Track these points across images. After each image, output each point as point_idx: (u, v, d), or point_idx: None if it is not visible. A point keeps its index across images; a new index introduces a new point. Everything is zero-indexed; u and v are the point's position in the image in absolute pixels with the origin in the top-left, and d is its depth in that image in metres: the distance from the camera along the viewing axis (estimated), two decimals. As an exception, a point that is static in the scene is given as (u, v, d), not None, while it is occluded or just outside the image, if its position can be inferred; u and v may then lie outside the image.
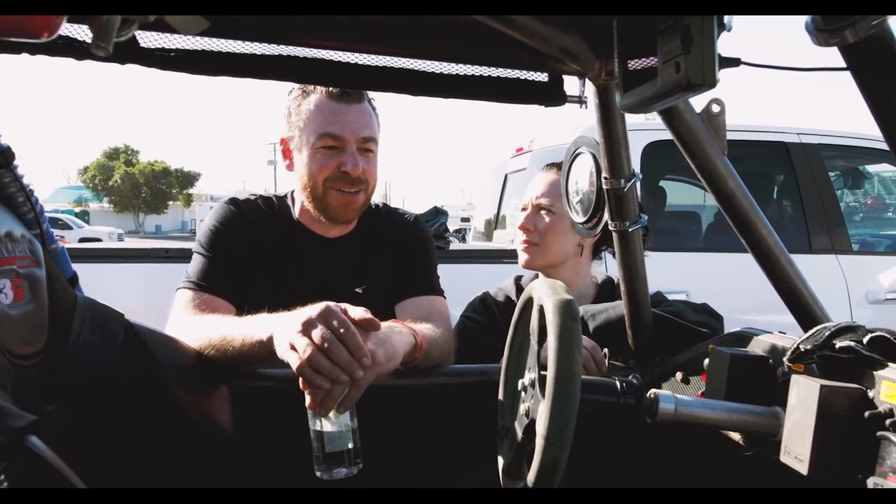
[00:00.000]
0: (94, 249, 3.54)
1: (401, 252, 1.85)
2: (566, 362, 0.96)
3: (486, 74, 1.32)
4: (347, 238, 1.84)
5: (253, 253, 1.74)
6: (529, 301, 1.18)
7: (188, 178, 59.42)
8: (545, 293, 1.06)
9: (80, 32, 1.19)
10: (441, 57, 1.29)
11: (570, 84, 1.38)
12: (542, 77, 1.34)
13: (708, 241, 4.23)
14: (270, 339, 1.29)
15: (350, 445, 1.24)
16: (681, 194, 4.84)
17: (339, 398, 1.21)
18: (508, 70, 1.32)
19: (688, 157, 1.30)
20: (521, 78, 1.33)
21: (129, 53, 1.21)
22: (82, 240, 22.11)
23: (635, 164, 3.68)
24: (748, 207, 1.32)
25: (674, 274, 3.37)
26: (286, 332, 1.23)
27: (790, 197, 4.00)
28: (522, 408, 1.14)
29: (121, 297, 2.99)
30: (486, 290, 2.04)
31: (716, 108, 1.31)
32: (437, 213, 3.72)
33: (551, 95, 1.34)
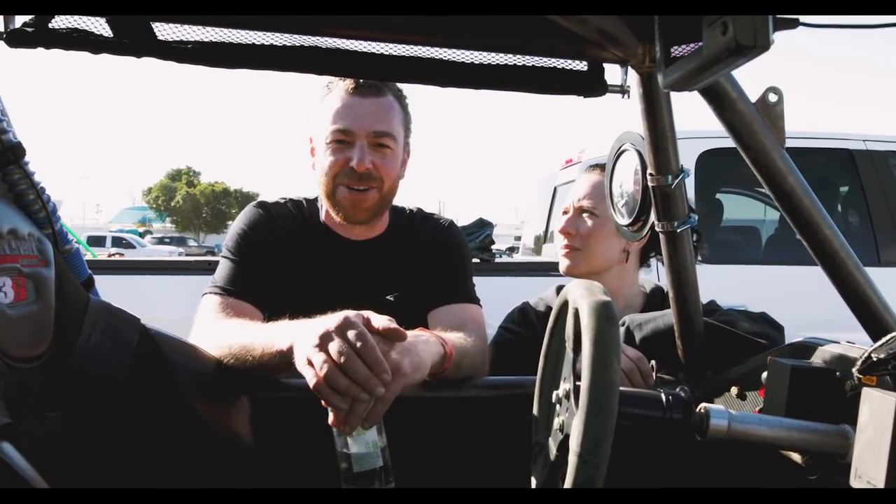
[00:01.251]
0: (140, 262, 3.56)
1: (434, 258, 1.77)
2: (602, 370, 0.86)
3: (520, 64, 1.23)
4: (377, 241, 1.77)
5: (281, 257, 1.68)
6: (565, 305, 1.08)
7: (247, 199, 60.47)
8: (580, 295, 0.96)
9: (97, 26, 1.15)
10: (472, 45, 1.20)
11: (613, 74, 1.28)
12: (581, 66, 1.25)
13: (767, 253, 4.03)
14: (291, 350, 1.21)
15: (380, 464, 1.15)
16: (739, 208, 4.65)
17: (363, 414, 1.12)
18: (545, 59, 1.23)
19: (742, 150, 1.19)
20: (559, 67, 1.24)
21: (146, 46, 1.17)
22: (143, 259, 22.64)
23: (689, 176, 3.56)
24: (810, 206, 1.20)
25: (731, 287, 3.21)
26: (303, 345, 1.16)
27: (856, 207, 3.79)
28: (556, 422, 1.04)
29: (166, 309, 2.99)
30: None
31: (773, 98, 1.20)
32: (483, 225, 3.62)
33: (591, 85, 1.25)
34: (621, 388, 1.03)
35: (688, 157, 3.50)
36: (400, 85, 1.73)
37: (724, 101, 1.15)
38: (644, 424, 1.03)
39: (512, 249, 7.48)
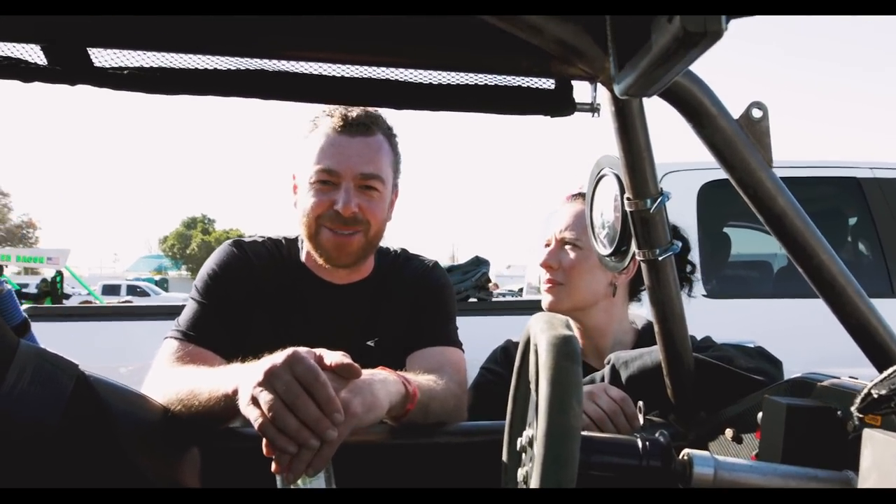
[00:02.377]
0: (131, 307, 3.50)
1: (416, 301, 1.68)
2: (559, 414, 0.75)
3: (481, 83, 1.15)
4: (359, 285, 1.68)
5: (254, 300, 1.59)
6: (528, 341, 0.98)
7: (261, 246, 60.82)
8: (539, 329, 0.85)
9: (29, 53, 1.09)
10: (429, 65, 1.12)
11: (583, 93, 1.20)
12: (548, 84, 1.16)
13: (778, 287, 3.89)
14: (236, 393, 1.12)
15: None
16: (749, 242, 4.53)
17: (309, 459, 1.01)
18: (508, 78, 1.15)
19: (726, 170, 1.10)
20: (524, 86, 1.16)
21: (81, 73, 1.10)
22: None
23: (689, 209, 3.46)
24: (803, 228, 1.10)
25: (739, 322, 3.09)
26: (248, 383, 1.06)
27: (866, 237, 3.65)
28: (521, 473, 0.93)
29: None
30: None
31: (757, 113, 1.12)
32: (479, 264, 3.53)
33: (558, 104, 1.16)
34: (591, 434, 0.93)
35: (688, 190, 3.39)
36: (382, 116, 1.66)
37: (703, 118, 1.07)
38: (618, 474, 0.91)
39: (521, 290, 7.40)
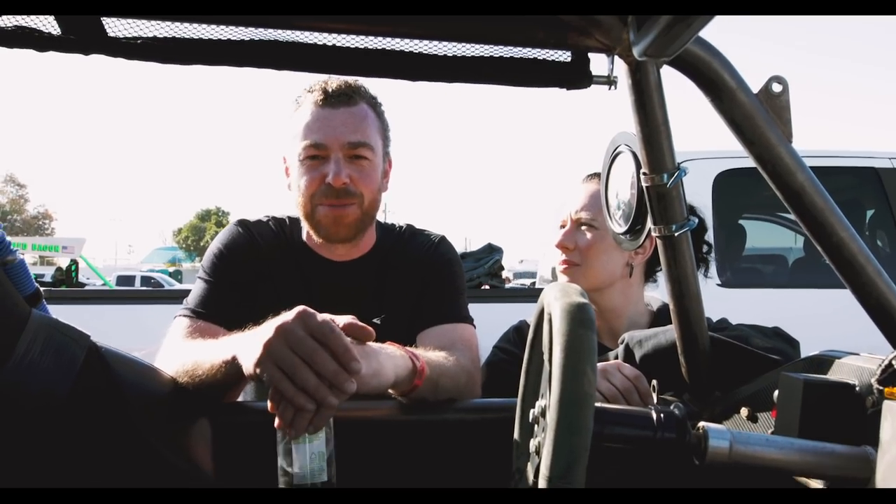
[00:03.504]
0: (145, 291, 3.52)
1: (423, 277, 1.66)
2: (573, 380, 0.74)
3: (496, 55, 1.14)
4: (362, 262, 1.67)
5: (259, 278, 1.59)
6: (542, 311, 0.96)
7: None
8: (553, 297, 0.84)
9: (43, 23, 1.08)
10: (443, 36, 1.11)
11: (600, 65, 1.18)
12: (564, 56, 1.15)
13: (795, 277, 3.85)
14: (235, 358, 1.12)
15: (325, 478, 1.03)
16: (767, 234, 4.49)
17: (311, 416, 1.00)
18: (524, 49, 1.14)
19: (744, 145, 1.09)
20: (540, 58, 1.14)
21: (95, 42, 1.10)
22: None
23: (705, 198, 3.42)
24: (823, 206, 1.09)
25: (752, 311, 3.05)
26: (256, 344, 1.04)
27: (885, 228, 3.60)
28: (533, 444, 0.92)
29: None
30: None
31: (777, 88, 1.10)
32: (492, 251, 3.52)
33: (574, 76, 1.14)
34: (606, 406, 0.92)
35: (703, 179, 3.36)
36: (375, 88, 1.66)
37: (721, 91, 1.06)
38: (633, 445, 0.90)
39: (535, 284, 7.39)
